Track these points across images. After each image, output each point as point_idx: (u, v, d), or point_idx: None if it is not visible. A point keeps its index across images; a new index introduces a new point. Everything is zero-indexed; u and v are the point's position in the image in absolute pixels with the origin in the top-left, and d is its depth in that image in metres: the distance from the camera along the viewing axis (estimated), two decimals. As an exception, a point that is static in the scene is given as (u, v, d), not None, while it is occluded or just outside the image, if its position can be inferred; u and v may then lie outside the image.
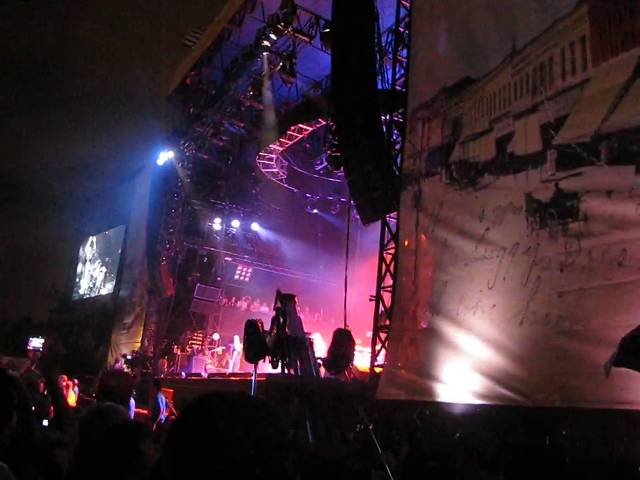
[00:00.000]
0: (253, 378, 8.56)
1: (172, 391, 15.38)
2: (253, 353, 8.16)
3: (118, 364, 23.35)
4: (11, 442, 2.18)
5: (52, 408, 6.72)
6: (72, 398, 16.67)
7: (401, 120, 12.59)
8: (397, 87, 13.21)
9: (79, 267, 37.49)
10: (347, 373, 9.10)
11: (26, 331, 31.14)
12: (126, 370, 22.14)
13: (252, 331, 8.16)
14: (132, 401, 13.31)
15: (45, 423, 5.61)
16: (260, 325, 8.22)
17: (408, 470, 5.94)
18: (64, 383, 14.82)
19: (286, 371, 7.45)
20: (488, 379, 8.79)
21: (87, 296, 34.98)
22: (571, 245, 8.02)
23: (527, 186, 9.00)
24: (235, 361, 20.01)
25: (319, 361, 7.84)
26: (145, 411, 13.67)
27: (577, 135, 8.25)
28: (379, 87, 13.38)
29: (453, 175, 10.59)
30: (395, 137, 12.96)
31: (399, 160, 12.40)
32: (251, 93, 20.45)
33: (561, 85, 8.69)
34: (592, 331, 7.43)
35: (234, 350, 20.27)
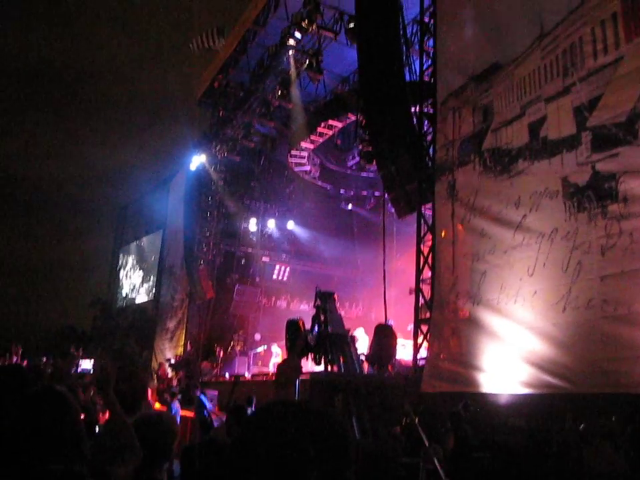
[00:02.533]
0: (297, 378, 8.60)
1: (217, 392, 15.49)
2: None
3: (162, 369, 23.60)
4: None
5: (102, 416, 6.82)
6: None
7: (431, 111, 12.50)
8: (425, 78, 13.13)
9: (120, 275, 37.99)
10: (390, 368, 9.06)
11: (70, 339, 31.58)
12: (170, 375, 22.39)
13: (293, 330, 8.22)
14: (176, 404, 13.49)
15: (97, 429, 5.70)
16: (301, 323, 8.27)
17: (455, 461, 5.91)
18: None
19: (329, 369, 7.48)
20: (533, 367, 8.69)
21: (129, 303, 35.43)
22: (611, 228, 7.89)
23: (562, 170, 8.87)
24: (275, 363, 20.16)
25: (361, 357, 7.86)
26: (191, 413, 13.81)
27: (612, 115, 8.10)
28: (407, 78, 13.31)
29: (486, 163, 10.49)
30: (426, 128, 12.88)
31: (431, 151, 12.32)
32: (279, 93, 20.51)
33: (592, 64, 8.54)
34: (637, 314, 7.32)
35: (274, 353, 20.43)
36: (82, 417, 2.60)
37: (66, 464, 2.06)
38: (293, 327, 8.14)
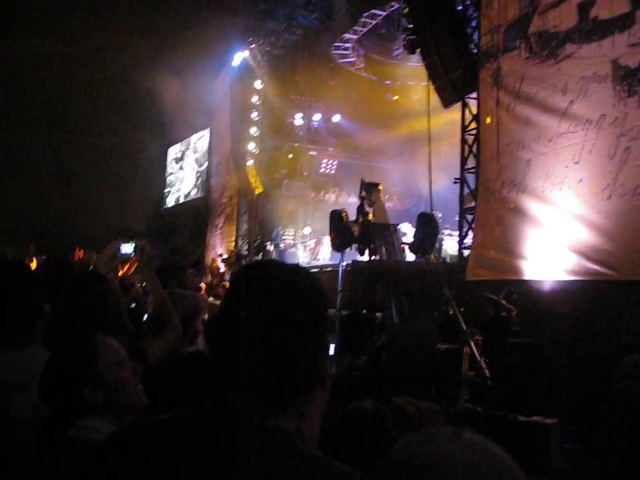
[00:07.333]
0: (340, 267, 8.85)
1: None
2: (339, 242, 8.44)
3: (214, 264, 24.19)
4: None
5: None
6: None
7: (475, -5, 12.08)
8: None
9: (169, 174, 38.41)
10: (433, 257, 9.23)
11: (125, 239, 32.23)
12: (223, 269, 22.97)
13: (337, 221, 8.39)
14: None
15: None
16: (344, 215, 8.43)
17: (493, 347, 6.11)
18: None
19: (372, 258, 7.68)
20: (577, 254, 8.74)
21: (180, 202, 35.95)
22: (662, 112, 7.71)
23: (613, 52, 8.58)
24: (325, 254, 20.49)
25: (404, 245, 8.03)
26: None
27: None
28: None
29: (532, 48, 10.17)
30: (470, 13, 12.49)
31: (475, 37, 11.99)
32: (320, -19, 19.91)
33: None
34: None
35: (323, 244, 20.74)
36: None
37: (111, 334, 2.28)
38: (337, 217, 8.34)
